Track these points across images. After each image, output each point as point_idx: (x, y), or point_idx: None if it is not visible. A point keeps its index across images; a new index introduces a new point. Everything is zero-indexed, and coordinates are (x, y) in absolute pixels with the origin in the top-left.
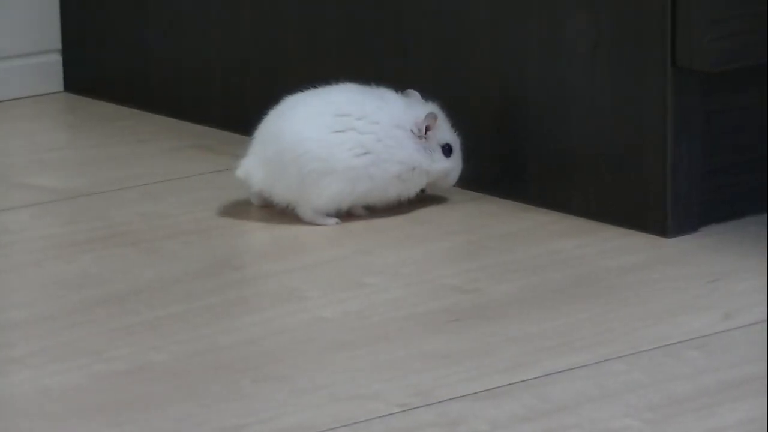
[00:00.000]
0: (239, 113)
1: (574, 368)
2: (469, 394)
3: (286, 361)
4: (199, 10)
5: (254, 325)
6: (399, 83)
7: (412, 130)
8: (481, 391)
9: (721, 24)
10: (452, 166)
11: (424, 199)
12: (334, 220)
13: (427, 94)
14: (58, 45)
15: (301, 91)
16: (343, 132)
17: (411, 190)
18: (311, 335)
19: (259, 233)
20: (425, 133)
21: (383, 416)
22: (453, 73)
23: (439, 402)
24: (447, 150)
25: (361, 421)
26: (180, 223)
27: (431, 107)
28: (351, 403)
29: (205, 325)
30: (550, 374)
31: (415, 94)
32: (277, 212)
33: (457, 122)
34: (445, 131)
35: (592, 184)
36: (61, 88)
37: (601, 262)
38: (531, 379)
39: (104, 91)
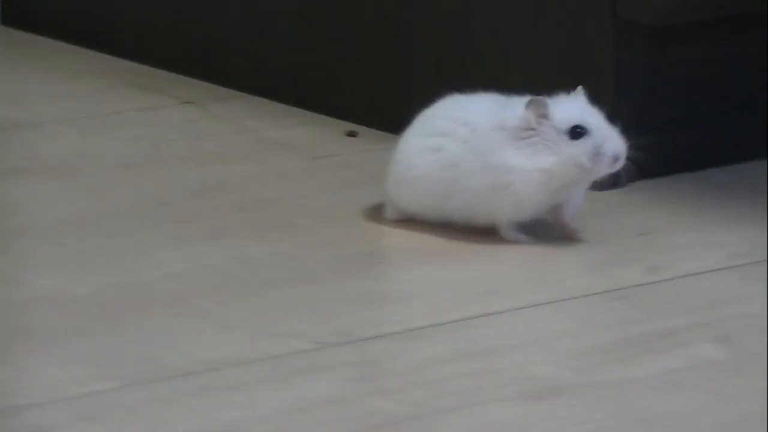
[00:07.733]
0: (178, 52)
1: (500, 312)
2: (390, 334)
3: (212, 297)
4: None
5: (182, 260)
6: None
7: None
8: (403, 332)
9: None
10: (583, 149)
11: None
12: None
13: None
14: None
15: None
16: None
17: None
18: (238, 273)
19: (191, 171)
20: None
21: (302, 351)
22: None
23: (360, 340)
24: (576, 133)
25: (279, 356)
26: (113, 159)
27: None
28: (272, 339)
29: (133, 260)
30: (475, 317)
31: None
32: (210, 155)
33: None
34: (564, 115)
35: None
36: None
37: None
38: (455, 321)
39: (43, 25)
